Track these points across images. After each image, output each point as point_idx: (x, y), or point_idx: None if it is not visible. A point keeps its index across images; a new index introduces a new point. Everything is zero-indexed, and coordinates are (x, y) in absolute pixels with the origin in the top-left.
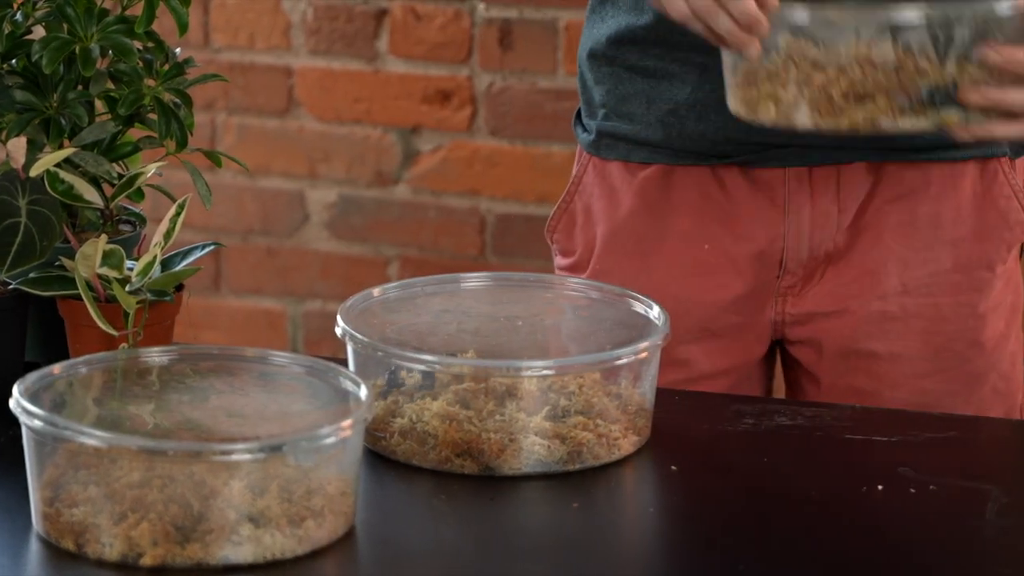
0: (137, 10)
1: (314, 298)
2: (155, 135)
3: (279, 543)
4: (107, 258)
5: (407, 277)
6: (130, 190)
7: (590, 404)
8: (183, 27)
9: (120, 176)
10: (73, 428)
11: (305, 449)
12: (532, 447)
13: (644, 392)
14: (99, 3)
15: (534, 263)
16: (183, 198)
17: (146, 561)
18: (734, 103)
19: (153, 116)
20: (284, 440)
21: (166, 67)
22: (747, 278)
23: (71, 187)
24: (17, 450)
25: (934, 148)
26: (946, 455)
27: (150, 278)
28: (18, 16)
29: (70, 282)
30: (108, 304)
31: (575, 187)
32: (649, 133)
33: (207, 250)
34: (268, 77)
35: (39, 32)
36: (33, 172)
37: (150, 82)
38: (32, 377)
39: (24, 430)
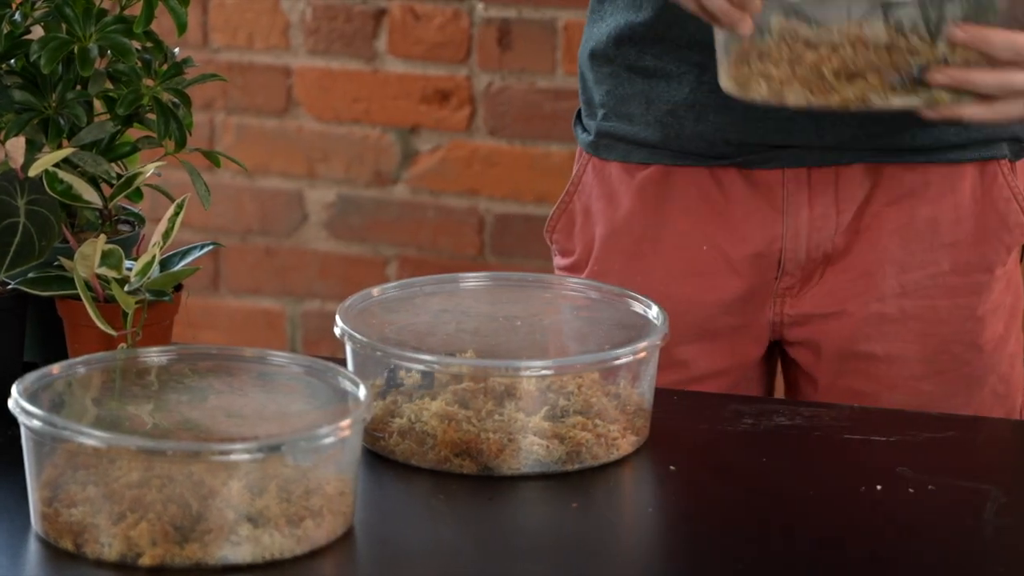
0: (136, 10)
1: (313, 298)
2: (154, 135)
3: (278, 543)
4: (106, 258)
5: (406, 277)
6: (129, 190)
7: (589, 404)
8: (182, 27)
9: (119, 176)
10: (72, 428)
11: (304, 449)
12: (531, 447)
13: (643, 392)
14: (98, 3)
15: (533, 263)
16: (182, 198)
17: (145, 561)
18: (726, 81)
19: (152, 116)
20: (283, 440)
21: (165, 67)
22: (745, 279)
23: (70, 187)
24: (16, 450)
25: (933, 150)
26: (945, 455)
27: (149, 278)
28: (17, 16)
29: (69, 282)
30: (107, 304)
31: (574, 187)
32: (648, 134)
33: (206, 250)
34: (267, 77)
35: (38, 32)
36: (32, 172)
37: (149, 82)
38: (31, 377)
39: (23, 430)
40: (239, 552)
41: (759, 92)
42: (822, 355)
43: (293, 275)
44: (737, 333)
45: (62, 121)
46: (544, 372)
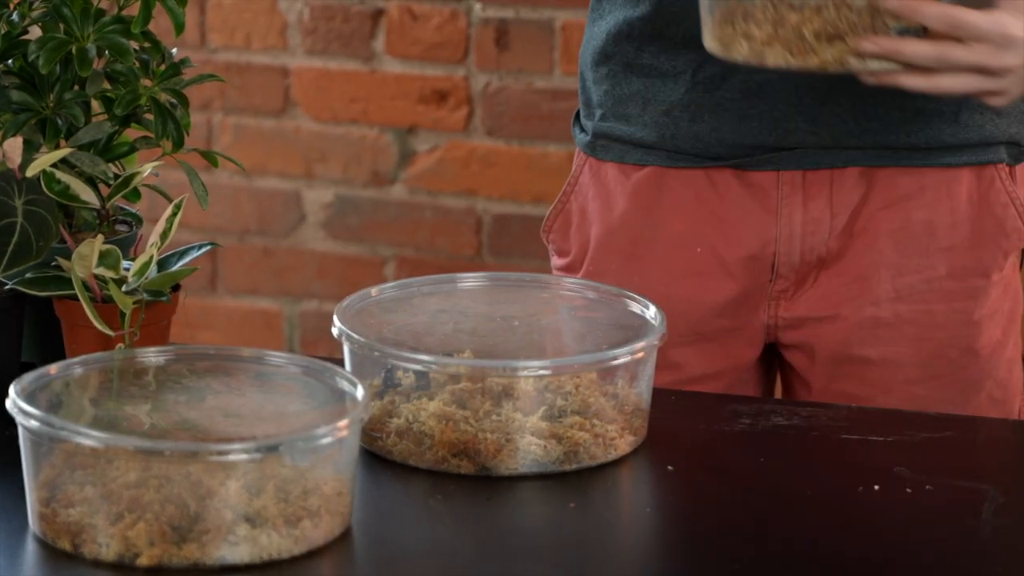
0: (133, 10)
1: (310, 298)
2: (151, 135)
3: (275, 543)
4: (103, 258)
5: (404, 277)
6: (126, 190)
7: (586, 404)
8: (179, 27)
9: (116, 176)
10: (70, 428)
11: (301, 449)
12: (528, 447)
13: (640, 392)
14: (95, 3)
15: (530, 263)
16: (179, 198)
17: (143, 561)
18: (709, 41)
19: (149, 116)
20: (280, 440)
21: (162, 67)
22: (739, 281)
23: (67, 187)
24: (13, 450)
25: (928, 149)
26: (942, 455)
27: (146, 278)
28: (15, 16)
29: (66, 282)
30: (104, 304)
31: (571, 187)
32: (644, 134)
33: (203, 250)
34: (264, 77)
35: (36, 32)
36: (29, 172)
37: (146, 82)
38: (28, 377)
39: (20, 430)
40: (237, 552)
41: (740, 52)
42: (816, 359)
43: (291, 275)
44: (731, 335)
45: (60, 121)
46: (542, 372)
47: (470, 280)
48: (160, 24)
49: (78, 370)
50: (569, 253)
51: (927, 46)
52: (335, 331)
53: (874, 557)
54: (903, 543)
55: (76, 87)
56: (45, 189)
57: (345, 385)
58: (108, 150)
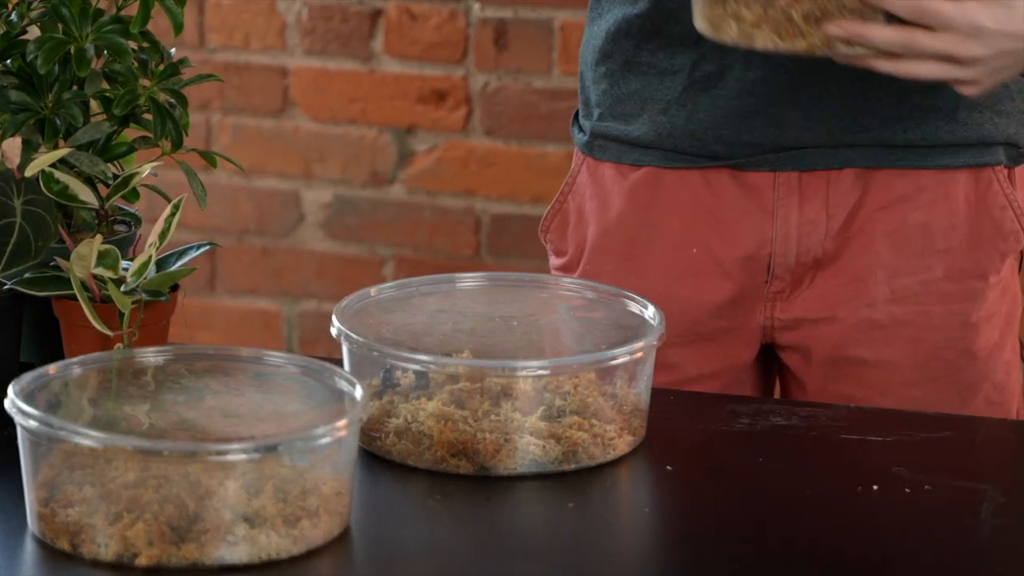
0: (132, 10)
1: (309, 298)
2: (150, 135)
3: (274, 543)
4: (102, 258)
5: (402, 277)
6: (125, 190)
7: (585, 404)
8: (178, 27)
9: (115, 176)
10: (68, 428)
11: (300, 449)
12: (527, 447)
13: (639, 392)
14: (94, 3)
15: (529, 263)
16: (178, 198)
17: (141, 561)
18: (699, 21)
19: (148, 116)
20: (279, 440)
21: (161, 67)
22: (735, 282)
23: (66, 187)
24: (12, 450)
25: (925, 147)
26: (941, 455)
27: (145, 278)
28: (13, 16)
29: (65, 282)
30: (103, 304)
31: (569, 187)
32: (642, 133)
33: (202, 250)
34: (263, 77)
35: (34, 32)
36: (28, 172)
37: (145, 82)
38: (27, 377)
39: (19, 430)
40: (236, 552)
41: (729, 33)
42: (812, 360)
43: (289, 275)
44: (728, 336)
45: (58, 121)
46: (540, 372)
47: (469, 280)
48: (159, 24)
49: (77, 370)
50: (566, 253)
51: (893, 32)
52: (334, 331)
53: (873, 557)
54: (902, 543)
55: (75, 87)
56: (44, 189)
57: (344, 385)
58: (107, 150)
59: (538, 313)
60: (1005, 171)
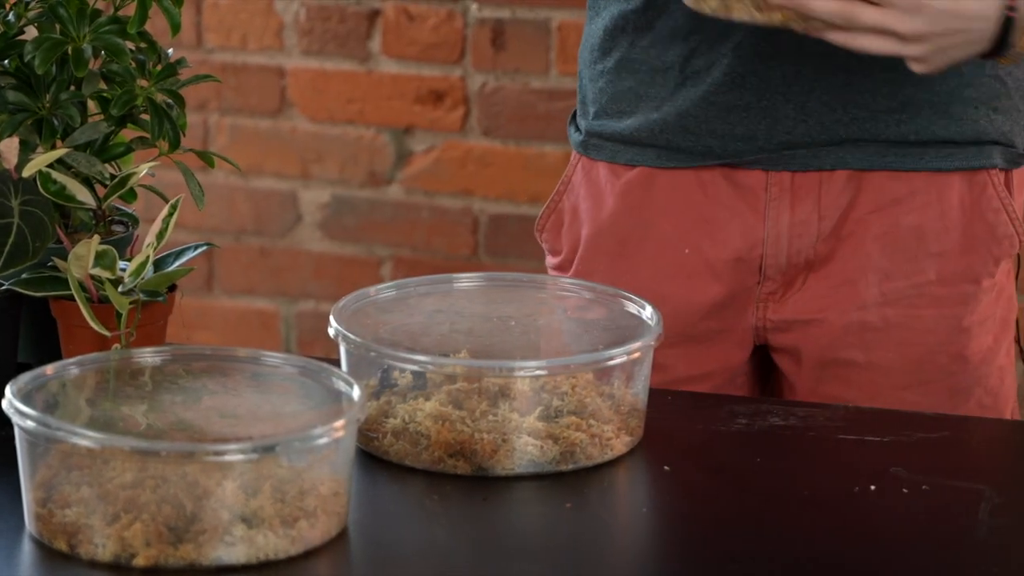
0: (130, 11)
1: (307, 298)
2: (148, 136)
3: (272, 544)
4: (100, 259)
5: (400, 277)
6: (123, 191)
7: (583, 404)
8: (176, 28)
9: (113, 177)
10: (66, 429)
11: (298, 449)
12: (525, 447)
13: (637, 392)
14: (92, 4)
15: (527, 263)
16: (176, 198)
17: (139, 562)
18: None
19: (146, 117)
20: (277, 440)
21: (159, 68)
22: (726, 283)
23: (64, 188)
24: (10, 451)
25: (919, 144)
26: (939, 455)
27: (143, 279)
28: (10, 16)
29: (63, 283)
30: (101, 305)
31: (564, 187)
32: (636, 131)
33: (200, 250)
34: (261, 78)
35: (32, 33)
36: (26, 173)
37: (143, 83)
38: (25, 378)
39: (17, 431)
40: (233, 553)
41: (709, 5)
42: (802, 362)
43: (287, 275)
44: (719, 337)
45: (56, 122)
46: (538, 372)
47: (466, 280)
48: (156, 24)
49: (74, 370)
50: (561, 252)
51: (832, 3)
52: (331, 331)
53: (871, 557)
54: (899, 543)
55: (72, 87)
56: (41, 189)
57: (341, 385)
58: (104, 150)
59: (536, 313)
60: (1001, 174)
